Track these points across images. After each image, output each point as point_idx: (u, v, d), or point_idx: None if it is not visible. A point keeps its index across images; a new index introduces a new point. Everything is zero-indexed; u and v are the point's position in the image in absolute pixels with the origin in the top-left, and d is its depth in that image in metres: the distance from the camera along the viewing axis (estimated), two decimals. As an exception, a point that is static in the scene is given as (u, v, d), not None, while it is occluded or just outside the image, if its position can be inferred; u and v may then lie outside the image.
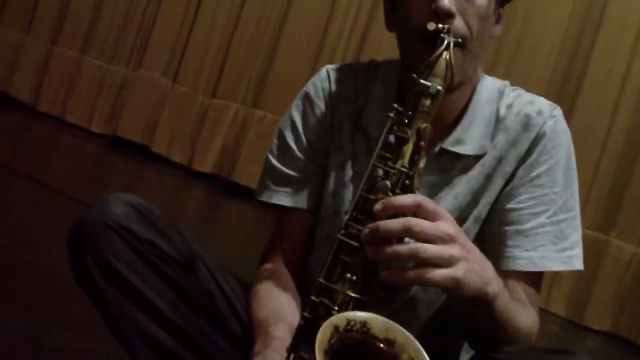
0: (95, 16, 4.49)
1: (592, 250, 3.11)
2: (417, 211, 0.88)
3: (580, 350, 0.97)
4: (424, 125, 0.92)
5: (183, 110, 4.12)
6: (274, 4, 3.96)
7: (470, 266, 0.89)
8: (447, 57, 0.95)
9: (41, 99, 4.52)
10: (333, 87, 1.24)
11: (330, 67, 1.27)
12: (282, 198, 1.23)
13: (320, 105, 1.24)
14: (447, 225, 0.88)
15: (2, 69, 4.63)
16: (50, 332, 1.68)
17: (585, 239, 2.99)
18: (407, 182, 0.91)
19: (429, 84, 0.93)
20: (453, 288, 0.88)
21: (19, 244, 2.17)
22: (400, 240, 0.88)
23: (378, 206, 0.88)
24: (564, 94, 3.23)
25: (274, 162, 1.25)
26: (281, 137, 1.25)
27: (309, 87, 1.26)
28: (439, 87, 0.93)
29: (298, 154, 1.23)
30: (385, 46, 3.36)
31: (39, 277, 1.98)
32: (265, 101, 3.93)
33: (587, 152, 3.16)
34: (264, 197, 1.24)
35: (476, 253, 0.93)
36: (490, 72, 1.21)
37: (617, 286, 3.16)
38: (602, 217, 3.20)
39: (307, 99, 1.25)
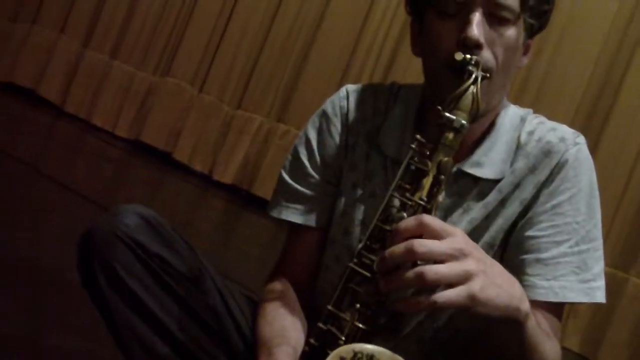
0: (127, 22, 4.55)
1: (610, 287, 3.01)
2: (423, 231, 0.85)
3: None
4: (446, 159, 0.89)
5: (207, 120, 4.13)
6: (305, 20, 3.97)
7: (489, 280, 0.84)
8: (474, 91, 0.93)
9: (69, 100, 4.58)
10: (351, 107, 1.23)
11: (350, 86, 1.26)
12: (292, 215, 1.21)
13: (337, 124, 1.22)
14: (456, 241, 0.84)
15: (33, 68, 4.70)
16: (51, 334, 1.68)
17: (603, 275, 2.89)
18: (424, 215, 0.89)
19: (454, 117, 0.90)
20: (471, 306, 0.83)
21: (31, 245, 2.18)
22: (414, 266, 0.84)
23: (388, 239, 0.86)
24: (591, 126, 3.19)
25: (287, 178, 1.24)
26: (295, 154, 1.24)
27: (327, 105, 1.25)
28: (464, 122, 0.90)
29: (311, 171, 1.22)
30: (414, 66, 3.35)
31: (45, 277, 1.99)
32: (290, 116, 3.93)
33: (611, 187, 3.11)
34: (275, 213, 1.23)
35: (497, 267, 0.89)
36: (518, 101, 1.20)
37: (633, 326, 3.10)
38: (622, 254, 3.15)
39: (324, 117, 1.24)
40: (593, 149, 3.10)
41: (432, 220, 0.85)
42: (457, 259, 0.83)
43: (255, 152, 3.96)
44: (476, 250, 0.85)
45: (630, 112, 3.14)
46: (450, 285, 0.82)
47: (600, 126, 3.19)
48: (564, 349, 3.15)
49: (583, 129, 3.14)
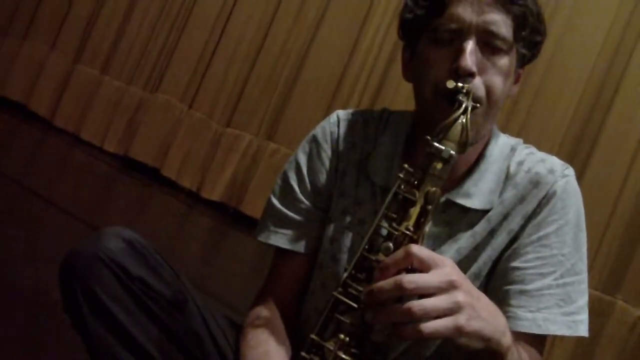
0: (119, 38, 4.55)
1: (596, 311, 3.05)
2: (411, 261, 0.85)
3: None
4: (434, 189, 0.89)
5: (196, 137, 4.12)
6: (295, 41, 3.98)
7: (475, 313, 0.85)
8: (464, 121, 0.92)
9: (58, 114, 4.57)
10: (342, 133, 1.23)
11: (341, 112, 1.26)
12: (280, 240, 1.21)
13: (327, 150, 1.22)
14: (444, 273, 0.84)
15: (24, 82, 4.69)
16: (42, 356, 1.65)
17: (590, 298, 2.93)
18: (410, 245, 0.88)
19: (443, 147, 0.90)
20: (456, 337, 0.84)
21: (17, 263, 2.15)
22: (401, 299, 0.85)
23: (376, 273, 0.86)
24: (578, 151, 3.20)
25: (276, 203, 1.24)
26: (285, 179, 1.24)
27: (318, 130, 1.25)
28: (453, 152, 0.90)
29: (300, 196, 1.22)
30: (403, 90, 3.36)
31: (34, 298, 1.96)
32: (280, 135, 3.92)
33: (598, 211, 3.12)
34: (262, 238, 1.23)
35: (483, 300, 0.89)
36: (505, 127, 1.19)
37: (620, 350, 3.09)
38: (608, 277, 3.15)
39: (315, 142, 1.24)
40: (581, 172, 3.12)
41: (419, 250, 0.85)
42: (445, 292, 0.83)
43: (244, 170, 3.95)
44: (465, 282, 0.85)
45: (618, 135, 3.16)
46: (437, 317, 0.82)
47: (588, 150, 3.20)
48: (551, 375, 3.14)
49: (571, 154, 3.16)
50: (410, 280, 0.82)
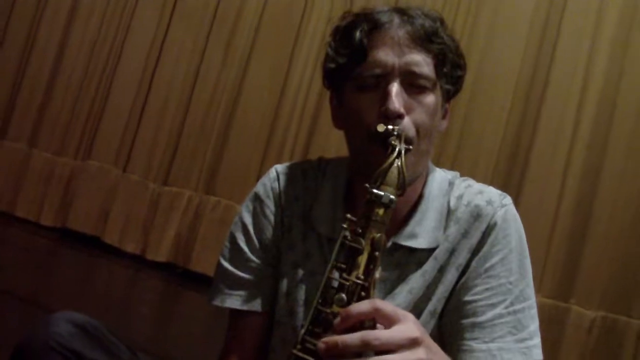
0: (43, 109, 4.47)
1: (553, 318, 3.11)
2: (376, 316, 0.85)
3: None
4: (379, 235, 0.90)
5: (135, 199, 4.06)
6: (223, 91, 3.99)
7: None
8: (399, 164, 0.94)
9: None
10: (283, 187, 1.23)
11: (279, 167, 1.27)
12: (235, 302, 1.20)
13: (270, 206, 1.22)
14: (408, 329, 0.85)
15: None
16: None
17: (545, 307, 2.95)
18: (363, 293, 0.88)
19: (382, 193, 0.91)
20: None
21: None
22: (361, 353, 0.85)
23: (337, 321, 0.85)
24: (514, 168, 3.27)
25: (226, 265, 1.23)
26: (233, 240, 1.24)
27: (259, 187, 1.25)
28: (392, 197, 0.91)
29: (250, 256, 1.21)
30: (336, 132, 3.39)
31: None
32: (219, 187, 3.90)
33: (541, 221, 3.19)
34: (217, 302, 1.22)
35: (440, 354, 0.90)
36: (439, 157, 1.21)
37: (580, 353, 3.14)
38: (560, 284, 3.21)
39: (257, 200, 1.24)
40: (519, 186, 3.19)
41: (384, 306, 0.86)
42: (408, 348, 0.84)
43: (187, 227, 3.90)
44: (426, 338, 0.87)
45: (550, 145, 3.26)
46: None
47: (523, 163, 3.27)
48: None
49: (507, 171, 3.24)
50: (376, 336, 0.83)
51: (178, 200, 3.96)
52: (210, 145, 3.97)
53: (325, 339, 0.85)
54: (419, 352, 0.84)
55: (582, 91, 3.24)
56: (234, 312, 1.22)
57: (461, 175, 1.22)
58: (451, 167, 1.23)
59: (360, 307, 0.86)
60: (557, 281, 3.21)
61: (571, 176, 3.22)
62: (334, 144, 3.39)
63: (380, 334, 0.83)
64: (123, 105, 4.22)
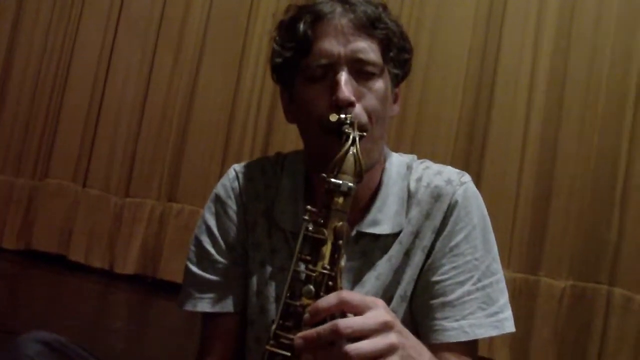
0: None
1: (524, 292, 3.16)
2: (344, 307, 0.85)
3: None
4: (340, 223, 0.90)
5: (97, 214, 4.01)
6: (176, 96, 3.96)
7: (406, 352, 0.86)
8: (354, 151, 0.94)
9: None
10: (243, 186, 1.23)
11: (237, 166, 1.26)
12: (206, 305, 1.20)
13: (232, 206, 1.22)
14: (379, 314, 0.85)
15: None
16: None
17: (516, 281, 2.98)
18: (330, 283, 0.88)
19: (340, 182, 0.92)
20: None
21: None
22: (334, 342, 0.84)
23: (306, 316, 0.85)
24: (473, 146, 3.32)
25: (194, 269, 1.22)
26: (198, 243, 1.23)
27: (219, 188, 1.25)
28: (351, 184, 0.92)
29: (217, 257, 1.21)
30: (293, 127, 3.39)
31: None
32: (181, 193, 3.87)
33: (504, 198, 3.23)
34: (189, 307, 1.22)
35: (411, 338, 0.90)
36: (398, 142, 1.22)
37: (554, 324, 3.19)
38: (528, 258, 3.26)
39: (219, 201, 1.24)
40: (479, 163, 3.23)
41: (351, 296, 0.86)
42: (380, 333, 0.84)
43: (153, 236, 3.87)
44: (396, 322, 0.87)
45: (506, 122, 3.30)
46: (374, 357, 0.83)
47: (482, 140, 3.31)
48: (495, 362, 3.20)
49: (465, 149, 3.28)
50: (347, 325, 0.82)
51: (141, 210, 3.92)
52: (168, 152, 3.93)
53: (301, 334, 0.85)
54: (391, 336, 0.84)
55: (532, 67, 3.30)
56: (207, 315, 1.22)
57: (420, 158, 1.22)
58: (410, 152, 1.24)
59: (328, 300, 0.86)
60: (525, 255, 3.26)
61: (529, 151, 3.27)
62: (293, 139, 3.38)
63: (350, 322, 0.83)
64: (76, 119, 4.15)
